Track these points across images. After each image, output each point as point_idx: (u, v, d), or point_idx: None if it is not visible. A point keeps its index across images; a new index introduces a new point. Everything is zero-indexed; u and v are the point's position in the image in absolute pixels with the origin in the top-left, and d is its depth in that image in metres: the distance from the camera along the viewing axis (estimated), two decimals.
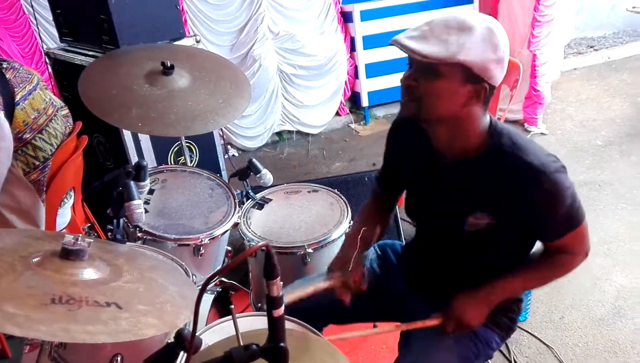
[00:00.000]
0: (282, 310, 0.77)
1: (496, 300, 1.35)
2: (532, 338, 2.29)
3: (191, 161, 2.74)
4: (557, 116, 4.55)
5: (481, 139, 1.25)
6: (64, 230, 2.15)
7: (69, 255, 0.91)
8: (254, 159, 2.03)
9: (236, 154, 4.27)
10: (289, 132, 4.53)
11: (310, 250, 1.83)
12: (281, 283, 0.76)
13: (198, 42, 2.61)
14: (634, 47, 6.00)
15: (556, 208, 1.22)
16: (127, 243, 1.51)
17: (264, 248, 0.78)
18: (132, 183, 1.46)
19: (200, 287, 0.77)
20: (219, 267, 1.89)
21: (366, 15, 4.37)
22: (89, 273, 0.92)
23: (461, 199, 1.30)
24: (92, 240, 0.92)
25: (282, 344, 0.78)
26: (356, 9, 4.33)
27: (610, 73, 5.43)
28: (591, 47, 6.12)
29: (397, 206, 2.51)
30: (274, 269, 0.74)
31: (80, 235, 0.92)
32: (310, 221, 1.98)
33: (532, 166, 1.19)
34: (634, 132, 4.13)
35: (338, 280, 1.40)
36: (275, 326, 0.77)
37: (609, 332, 2.31)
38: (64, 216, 2.16)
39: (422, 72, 1.18)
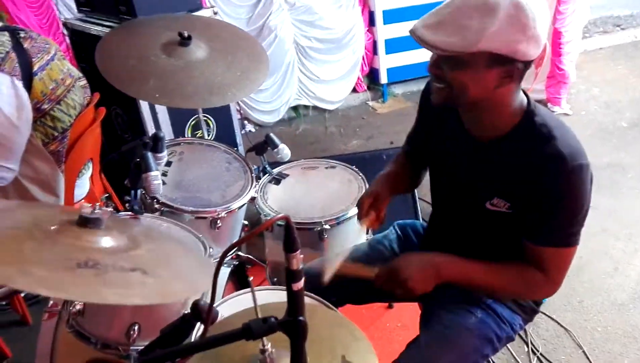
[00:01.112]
0: (301, 283, 0.75)
1: (448, 276, 1.25)
2: (550, 320, 2.26)
3: (208, 135, 2.73)
4: (581, 96, 4.44)
5: (514, 118, 1.19)
6: (82, 201, 2.17)
7: (87, 223, 0.90)
8: (271, 134, 2.00)
9: (253, 130, 4.25)
10: (305, 107, 4.49)
11: (327, 226, 1.81)
12: (301, 256, 0.74)
13: (215, 13, 2.57)
14: None
15: (564, 207, 1.15)
16: (145, 214, 1.50)
17: (282, 222, 0.76)
18: (149, 154, 1.45)
19: (218, 258, 0.75)
20: (235, 240, 1.88)
21: None
22: (107, 241, 0.90)
23: (482, 184, 1.25)
24: (109, 210, 0.91)
25: (301, 318, 0.76)
26: None
27: (637, 53, 5.27)
28: (618, 25, 5.93)
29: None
30: (294, 242, 0.72)
31: (97, 204, 0.90)
32: (328, 197, 1.95)
33: (558, 152, 1.12)
34: None
35: (371, 216, 1.37)
36: (295, 299, 0.76)
37: (629, 317, 2.27)
38: (82, 187, 2.17)
39: (444, 61, 1.11)
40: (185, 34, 1.74)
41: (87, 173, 2.19)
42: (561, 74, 4.04)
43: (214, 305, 1.05)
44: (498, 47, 1.04)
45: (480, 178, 1.27)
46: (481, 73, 1.09)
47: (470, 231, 1.35)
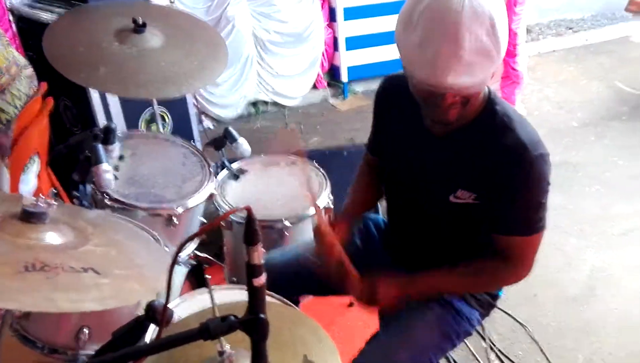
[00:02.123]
0: (263, 278, 0.71)
1: (413, 291, 1.28)
2: (506, 316, 2.30)
3: (164, 130, 2.63)
4: (534, 97, 4.57)
5: (475, 110, 1.20)
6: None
7: (30, 217, 0.83)
8: (230, 128, 1.94)
9: (211, 126, 4.15)
10: (265, 103, 4.42)
11: (288, 224, 1.77)
12: (263, 250, 0.70)
13: (172, 2, 2.49)
14: (612, 31, 6.04)
15: (526, 194, 1.17)
16: (95, 210, 1.42)
17: (240, 218, 0.72)
18: (100, 146, 1.37)
19: (172, 255, 0.70)
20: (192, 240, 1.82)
21: None
22: (53, 237, 0.84)
23: (446, 176, 1.25)
24: (53, 202, 0.84)
25: (262, 315, 0.72)
26: None
27: (588, 55, 5.47)
28: (570, 28, 6.15)
29: None
30: (255, 234, 0.68)
31: (41, 196, 0.84)
32: (289, 194, 1.92)
33: (519, 141, 1.14)
34: (609, 115, 4.17)
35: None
36: (256, 296, 0.71)
37: (581, 312, 2.34)
38: (28, 183, 2.04)
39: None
40: (140, 21, 1.67)
41: (33, 167, 2.06)
42: (515, 75, 4.13)
43: (170, 306, 0.99)
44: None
45: (442, 172, 1.26)
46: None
47: (434, 225, 1.34)
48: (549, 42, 5.77)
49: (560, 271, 2.56)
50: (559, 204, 2.99)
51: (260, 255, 0.70)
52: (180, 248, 0.68)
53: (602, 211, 3.01)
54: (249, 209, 0.66)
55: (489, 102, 1.20)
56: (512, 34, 4.01)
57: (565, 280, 2.51)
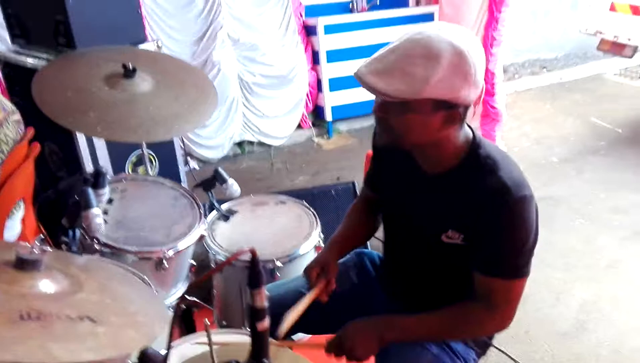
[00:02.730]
0: (267, 322, 0.70)
1: (391, 337, 1.25)
2: (500, 353, 2.28)
3: (151, 172, 2.62)
4: (513, 133, 4.68)
5: (460, 152, 1.22)
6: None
7: (24, 265, 0.81)
8: (219, 169, 1.94)
9: (197, 167, 4.15)
10: (250, 143, 4.45)
11: (279, 264, 1.75)
12: (267, 293, 0.69)
13: (160, 47, 2.52)
14: (584, 69, 6.29)
15: (509, 238, 1.16)
16: (84, 256, 1.39)
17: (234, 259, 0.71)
18: (90, 190, 1.36)
19: (177, 299, 0.69)
20: (181, 282, 1.78)
21: (330, 29, 4.38)
22: (47, 284, 0.82)
23: (437, 216, 1.26)
24: (47, 249, 0.83)
25: (266, 360, 0.71)
26: (320, 23, 4.34)
27: (563, 93, 5.65)
28: (544, 67, 6.38)
29: None
30: (259, 277, 0.67)
31: (35, 244, 0.82)
32: (279, 233, 1.91)
33: (503, 183, 1.15)
34: (588, 150, 4.29)
35: (320, 285, 1.34)
36: (259, 340, 0.70)
37: (572, 345, 2.33)
38: (12, 229, 2.00)
39: (390, 105, 1.13)
40: (130, 66, 1.68)
41: (18, 213, 2.02)
42: (495, 113, 4.26)
43: (161, 352, 0.97)
44: (442, 94, 1.08)
45: (434, 211, 1.27)
46: (425, 118, 1.12)
47: (427, 264, 1.34)
48: (525, 81, 5.97)
49: (550, 307, 2.56)
50: (544, 239, 2.94)
51: (263, 298, 0.69)
52: (187, 293, 0.67)
53: (587, 245, 3.05)
54: (253, 252, 0.66)
55: (474, 145, 1.22)
56: (490, 74, 4.15)
57: (556, 315, 2.51)
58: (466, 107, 1.15)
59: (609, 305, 2.56)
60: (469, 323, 1.26)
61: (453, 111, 1.12)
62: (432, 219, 1.27)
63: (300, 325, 1.45)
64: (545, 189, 3.66)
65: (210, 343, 0.85)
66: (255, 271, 0.67)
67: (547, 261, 2.84)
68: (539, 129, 4.75)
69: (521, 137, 4.61)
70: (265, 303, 0.69)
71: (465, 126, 1.23)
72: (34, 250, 0.81)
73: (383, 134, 1.21)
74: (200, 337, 1.32)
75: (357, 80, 1.12)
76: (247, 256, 1.68)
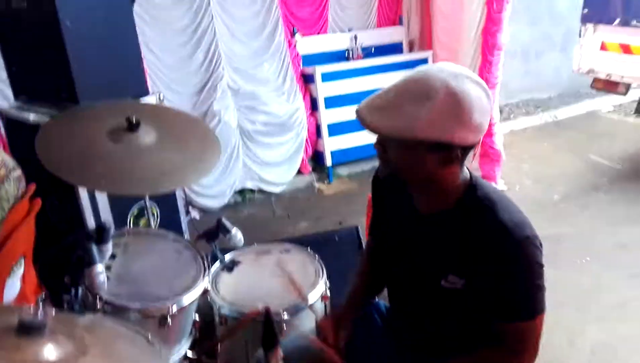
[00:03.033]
0: None
1: None
2: None
3: (153, 224, 2.60)
4: (513, 172, 4.68)
5: (457, 194, 1.21)
6: (12, 303, 1.95)
7: (27, 330, 0.78)
8: (223, 219, 1.92)
9: (197, 216, 4.13)
10: (251, 191, 4.45)
11: (286, 317, 1.71)
12: (282, 354, 0.66)
13: (161, 100, 2.55)
14: (578, 107, 6.38)
15: (517, 278, 1.14)
16: (87, 314, 1.35)
17: (237, 313, 0.68)
18: (93, 246, 1.34)
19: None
20: (185, 339, 1.73)
21: (327, 77, 4.47)
22: (50, 350, 0.78)
23: (436, 260, 1.24)
24: (52, 311, 0.80)
25: None
26: (317, 71, 4.42)
27: (559, 131, 5.71)
28: (538, 107, 6.46)
29: None
30: (274, 337, 0.64)
31: (38, 305, 0.79)
32: (284, 283, 1.86)
33: (503, 225, 1.13)
34: (589, 187, 4.28)
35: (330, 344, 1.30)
36: None
37: None
38: (13, 287, 1.96)
39: (388, 141, 1.15)
40: (133, 120, 1.69)
41: (19, 271, 1.98)
42: (494, 153, 4.27)
43: None
44: (434, 135, 1.08)
45: (432, 255, 1.25)
46: (421, 157, 1.13)
47: (431, 311, 1.31)
48: (520, 121, 6.04)
49: (562, 349, 2.49)
50: (552, 279, 2.91)
51: (278, 360, 0.66)
52: (201, 354, 0.64)
53: (596, 283, 2.99)
54: (267, 310, 0.63)
55: (471, 186, 1.21)
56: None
57: (569, 358, 2.44)
58: (465, 149, 1.14)
59: (622, 345, 2.49)
60: None
61: (449, 153, 1.12)
62: (431, 264, 1.25)
63: None
64: (549, 228, 3.62)
65: None
66: (269, 332, 0.64)
67: (557, 302, 2.77)
68: (538, 168, 4.76)
69: (521, 176, 4.61)
70: None
71: (465, 168, 1.23)
72: (38, 313, 0.78)
73: (383, 167, 1.23)
74: None
75: (356, 116, 1.14)
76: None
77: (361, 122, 1.12)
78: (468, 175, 1.23)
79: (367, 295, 1.50)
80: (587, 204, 3.97)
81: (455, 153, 1.12)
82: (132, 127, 1.69)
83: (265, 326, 0.65)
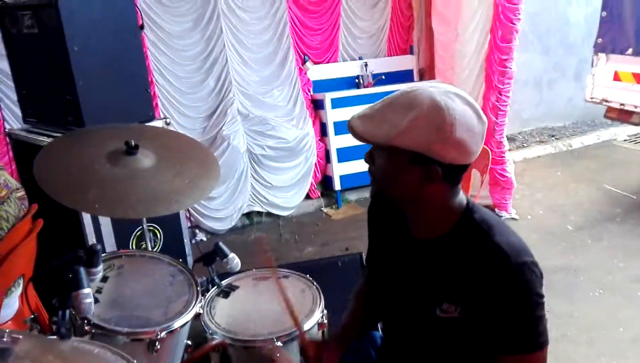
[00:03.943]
0: None
1: None
2: None
3: (154, 246, 2.60)
4: (525, 201, 4.61)
5: (452, 219, 1.18)
6: (9, 323, 1.95)
7: None
8: (220, 243, 1.91)
9: (204, 239, 4.13)
10: (259, 214, 4.45)
11: (279, 344, 1.67)
12: None
13: (168, 124, 2.58)
14: (593, 137, 6.29)
15: (515, 306, 1.10)
16: (73, 338, 1.34)
17: (231, 340, 0.66)
18: (82, 269, 1.33)
19: None
20: None
21: (337, 103, 4.50)
22: None
23: (431, 287, 1.20)
24: (20, 336, 0.79)
25: None
26: (327, 97, 4.46)
27: (573, 161, 5.62)
28: (552, 136, 6.39)
29: None
30: None
31: (8, 330, 0.78)
32: (280, 310, 1.83)
33: (499, 249, 1.10)
34: (603, 217, 4.19)
35: None
36: None
37: None
38: (10, 306, 1.97)
39: (374, 151, 1.16)
40: (132, 143, 1.71)
41: (17, 290, 2.00)
42: (505, 181, 4.22)
43: None
44: (410, 144, 1.08)
45: (426, 282, 1.21)
46: (402, 168, 1.12)
47: (426, 343, 1.27)
48: (534, 150, 5.97)
49: None
50: (564, 312, 2.88)
51: None
52: None
53: (610, 317, 2.89)
54: (224, 344, 0.61)
55: (467, 210, 1.19)
56: (497, 143, 4.16)
57: None
58: (448, 168, 1.11)
59: None
60: None
61: (429, 167, 1.10)
62: (425, 292, 1.21)
63: None
64: (563, 259, 3.54)
65: None
66: None
67: (568, 336, 2.69)
68: (551, 197, 4.68)
69: (534, 205, 4.53)
70: None
71: (461, 193, 1.20)
72: (5, 337, 0.77)
73: (371, 182, 1.23)
74: None
75: (347, 125, 1.16)
76: (248, 335, 1.63)
77: (349, 130, 1.14)
78: (464, 200, 1.20)
79: (360, 327, 1.46)
80: (601, 235, 3.87)
81: (435, 168, 1.10)
82: (131, 150, 1.71)
83: (221, 361, 0.63)
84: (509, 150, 4.29)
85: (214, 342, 0.58)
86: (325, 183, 4.77)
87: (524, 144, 6.14)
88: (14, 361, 0.78)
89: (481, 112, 1.12)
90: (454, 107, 1.08)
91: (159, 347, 1.50)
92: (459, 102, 1.09)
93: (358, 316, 1.46)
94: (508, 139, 4.51)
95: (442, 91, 1.10)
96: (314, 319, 1.78)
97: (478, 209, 1.20)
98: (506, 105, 4.09)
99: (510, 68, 3.96)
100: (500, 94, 4.05)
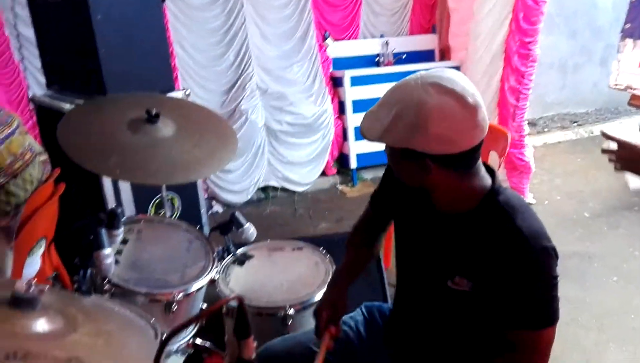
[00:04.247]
0: None
1: None
2: None
3: (172, 215, 2.65)
4: (544, 186, 4.57)
5: (474, 199, 1.19)
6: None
7: (19, 303, 0.81)
8: (237, 213, 1.95)
9: (220, 210, 4.19)
10: (274, 188, 4.48)
11: (291, 312, 1.71)
12: (255, 343, 0.67)
13: (188, 95, 2.60)
14: (616, 124, 6.17)
15: (530, 288, 1.12)
16: (93, 296, 1.39)
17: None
18: (103, 230, 1.38)
19: (186, 342, 0.67)
20: (192, 326, 1.76)
21: (356, 81, 4.47)
22: (42, 324, 0.81)
23: (445, 261, 1.22)
24: (45, 288, 0.83)
25: None
26: (346, 75, 4.43)
27: (594, 147, 5.52)
28: (575, 122, 6.29)
29: (384, 269, 2.43)
30: (246, 327, 0.65)
31: (34, 281, 0.82)
32: (293, 280, 1.87)
33: (520, 232, 1.11)
34: (621, 205, 4.13)
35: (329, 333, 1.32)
36: None
37: None
38: (33, 265, 2.03)
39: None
40: (153, 112, 1.73)
41: (39, 251, 2.06)
42: (523, 165, 4.17)
43: None
44: (394, 142, 1.13)
45: (442, 254, 1.23)
46: (399, 163, 1.19)
47: (434, 313, 1.29)
48: (555, 135, 5.88)
49: None
50: (576, 297, 2.88)
51: (251, 349, 0.66)
52: (167, 339, 0.65)
53: (622, 304, 2.88)
54: (240, 299, 0.64)
55: (492, 191, 1.19)
56: (517, 127, 4.11)
57: None
58: (442, 159, 1.11)
59: None
60: None
61: (420, 162, 1.12)
62: (440, 262, 1.23)
63: None
64: (578, 245, 3.52)
65: None
66: (242, 321, 0.65)
67: (579, 321, 2.70)
68: (570, 183, 4.62)
69: (552, 191, 4.49)
70: (253, 355, 0.67)
71: (484, 172, 1.20)
72: (32, 288, 0.81)
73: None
74: None
75: None
76: (261, 303, 1.67)
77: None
78: (489, 181, 1.20)
79: (359, 268, 1.51)
80: (619, 223, 3.83)
81: (426, 162, 1.11)
82: (152, 119, 1.73)
83: (238, 315, 0.65)
84: (529, 134, 4.22)
85: (231, 296, 0.61)
86: (341, 160, 4.78)
87: (545, 129, 6.06)
88: (40, 310, 0.81)
89: (468, 96, 1.09)
90: (427, 101, 1.08)
91: (175, 308, 1.56)
92: (435, 94, 1.08)
93: (358, 255, 1.53)
94: (529, 123, 4.45)
95: (421, 84, 1.10)
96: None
97: (504, 191, 1.20)
98: (528, 89, 4.02)
99: (534, 51, 3.88)
100: (523, 77, 3.98)
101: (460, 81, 1.11)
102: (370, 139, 1.16)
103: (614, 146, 1.55)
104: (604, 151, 1.58)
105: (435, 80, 1.11)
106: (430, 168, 1.13)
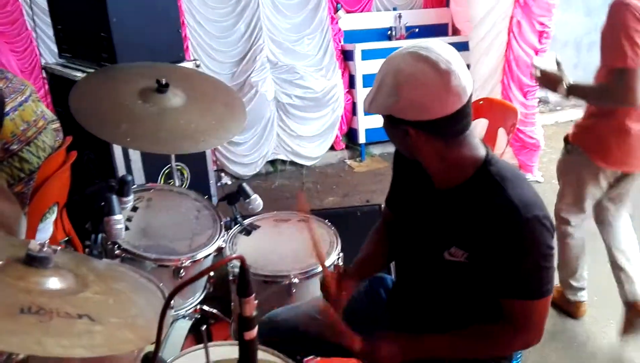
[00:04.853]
0: (254, 332, 0.71)
1: (413, 353, 1.24)
2: None
3: (181, 185, 2.69)
4: (553, 165, 4.50)
5: (467, 171, 1.20)
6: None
7: (33, 261, 0.85)
8: (244, 184, 1.98)
9: (229, 182, 4.24)
10: (283, 162, 4.51)
11: (295, 280, 1.76)
12: (255, 302, 0.70)
13: (198, 66, 2.62)
14: None
15: (520, 258, 1.13)
16: (104, 259, 1.44)
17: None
18: (114, 197, 1.42)
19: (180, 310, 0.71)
20: (199, 292, 1.81)
21: (367, 55, 4.43)
22: (54, 282, 0.85)
23: (441, 233, 1.25)
24: (58, 248, 0.86)
25: None
26: (357, 48, 4.40)
27: None
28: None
29: None
30: (247, 285, 0.68)
31: (47, 242, 0.86)
32: (298, 250, 1.91)
33: (510, 202, 1.12)
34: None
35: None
36: (247, 350, 0.71)
37: None
38: (45, 231, 2.09)
39: None
40: (163, 81, 1.76)
41: (52, 217, 2.12)
42: (532, 143, 4.16)
43: (169, 361, 0.99)
44: (377, 110, 1.17)
45: (438, 226, 1.26)
46: (389, 130, 1.21)
47: (433, 284, 1.32)
48: (567, 113, 5.81)
49: (580, 345, 2.44)
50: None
51: (252, 308, 0.70)
52: (170, 297, 0.69)
53: None
54: (241, 259, 0.67)
55: (485, 162, 1.20)
56: (527, 105, 4.08)
57: (585, 355, 2.39)
58: (422, 125, 1.13)
59: None
60: (496, 341, 1.24)
61: (401, 128, 1.15)
62: (436, 235, 1.26)
63: (310, 347, 1.46)
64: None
65: (207, 352, 0.86)
66: (243, 279, 0.68)
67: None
68: None
69: None
70: (254, 313, 0.70)
71: (474, 145, 1.21)
72: (45, 248, 0.85)
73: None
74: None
75: None
76: (267, 271, 1.72)
77: None
78: (482, 153, 1.22)
79: (374, 264, 1.51)
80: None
81: (406, 128, 1.15)
82: (161, 88, 1.76)
83: (239, 273, 0.69)
84: (541, 112, 4.19)
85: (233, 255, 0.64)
86: (350, 135, 4.78)
87: (557, 108, 5.98)
88: (52, 269, 0.85)
89: (441, 63, 1.10)
90: (401, 68, 1.12)
91: (183, 274, 1.61)
92: (411, 61, 1.11)
93: (374, 252, 1.52)
94: (541, 101, 4.40)
95: (402, 54, 1.14)
96: (330, 260, 1.86)
97: (496, 162, 1.21)
98: None
99: (548, 27, 3.82)
100: (537, 54, 3.93)
101: (437, 49, 1.12)
102: (364, 111, 1.22)
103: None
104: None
105: (414, 49, 1.13)
106: (411, 135, 1.16)
